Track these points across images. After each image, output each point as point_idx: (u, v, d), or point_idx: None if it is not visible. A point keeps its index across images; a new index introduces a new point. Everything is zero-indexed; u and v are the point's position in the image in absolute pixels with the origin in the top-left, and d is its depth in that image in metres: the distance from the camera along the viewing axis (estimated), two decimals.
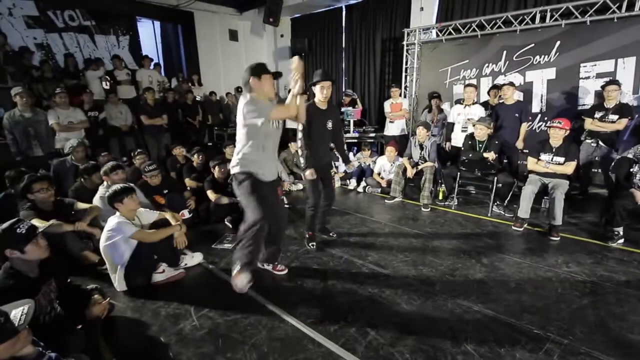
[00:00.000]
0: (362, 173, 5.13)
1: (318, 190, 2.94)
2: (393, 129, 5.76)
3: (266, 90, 2.19)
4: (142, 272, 2.48)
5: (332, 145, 3.13)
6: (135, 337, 2.03)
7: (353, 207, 4.30)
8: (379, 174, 4.93)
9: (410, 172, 4.33)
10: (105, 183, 3.10)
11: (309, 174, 2.78)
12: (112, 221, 2.43)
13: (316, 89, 2.76)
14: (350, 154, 5.65)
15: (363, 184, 5.01)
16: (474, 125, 4.07)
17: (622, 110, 3.81)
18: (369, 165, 5.15)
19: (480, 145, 4.00)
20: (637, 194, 2.99)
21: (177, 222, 2.73)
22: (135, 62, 7.08)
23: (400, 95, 5.83)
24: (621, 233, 3.08)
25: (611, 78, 4.12)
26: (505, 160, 4.44)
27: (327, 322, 2.08)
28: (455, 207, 4.18)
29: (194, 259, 2.85)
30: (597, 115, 3.94)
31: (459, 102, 5.09)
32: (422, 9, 6.25)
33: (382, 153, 5.67)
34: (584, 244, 3.14)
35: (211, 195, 3.73)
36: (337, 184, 5.22)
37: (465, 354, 1.82)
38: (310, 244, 3.10)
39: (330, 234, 3.31)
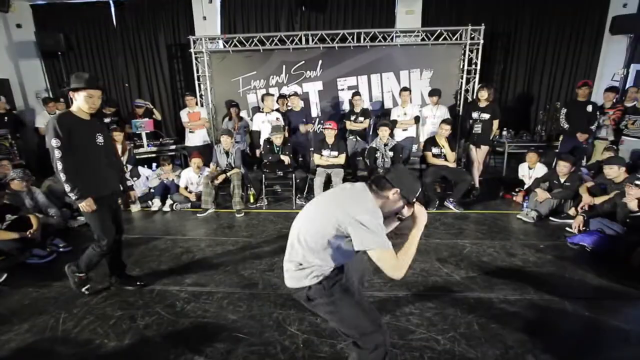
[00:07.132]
0: (167, 190, 4.62)
1: (108, 224, 2.35)
2: (195, 139, 5.52)
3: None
4: None
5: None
6: None
7: (161, 230, 3.82)
8: (186, 188, 4.59)
9: (218, 178, 4.33)
10: None
11: (85, 204, 2.17)
12: None
13: (79, 96, 2.15)
14: (149, 171, 4.95)
15: (169, 201, 4.53)
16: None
17: (365, 113, 5.24)
18: (173, 180, 4.69)
19: (278, 149, 4.48)
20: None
21: None
22: None
23: (196, 104, 5.64)
24: None
25: (356, 90, 5.60)
26: (300, 159, 5.19)
27: None
28: (266, 207, 4.49)
29: None
30: (352, 118, 5.25)
31: (258, 110, 5.51)
32: (204, 18, 6.27)
33: (186, 166, 5.32)
34: None
35: None
36: (137, 207, 4.47)
37: (291, 337, 2.00)
38: (83, 288, 2.47)
39: (138, 283, 2.61)
